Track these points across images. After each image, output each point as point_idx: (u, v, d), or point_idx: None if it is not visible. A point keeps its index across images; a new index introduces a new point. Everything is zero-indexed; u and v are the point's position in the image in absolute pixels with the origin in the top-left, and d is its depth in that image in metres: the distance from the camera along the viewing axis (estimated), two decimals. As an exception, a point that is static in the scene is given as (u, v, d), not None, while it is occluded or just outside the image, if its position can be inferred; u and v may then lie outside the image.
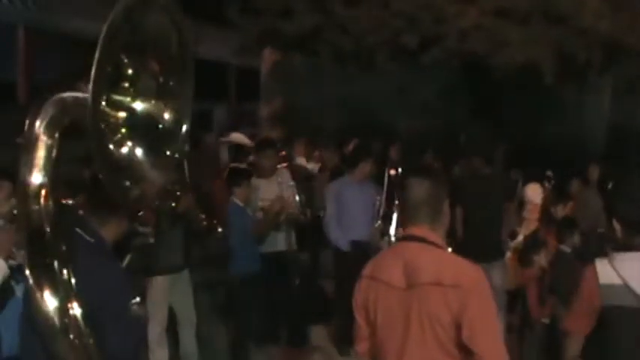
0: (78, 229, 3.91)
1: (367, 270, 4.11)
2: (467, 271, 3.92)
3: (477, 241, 9.63)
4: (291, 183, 9.46)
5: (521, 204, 10.96)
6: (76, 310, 3.07)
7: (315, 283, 10.51)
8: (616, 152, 14.55)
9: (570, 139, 13.92)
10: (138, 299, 4.16)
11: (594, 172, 11.90)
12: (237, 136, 13.16)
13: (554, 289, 8.53)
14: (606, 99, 15.72)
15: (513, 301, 9.53)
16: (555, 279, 8.70)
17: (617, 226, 4.32)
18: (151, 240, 5.92)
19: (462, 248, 9.26)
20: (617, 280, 4.10)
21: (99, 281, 3.68)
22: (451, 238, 9.60)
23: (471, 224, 10.03)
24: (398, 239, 4.26)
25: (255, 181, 9.00)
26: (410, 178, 4.10)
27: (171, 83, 3.08)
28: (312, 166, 14.44)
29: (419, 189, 4.02)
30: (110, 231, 4.05)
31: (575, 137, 14.22)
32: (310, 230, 10.18)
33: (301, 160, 14.65)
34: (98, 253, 3.91)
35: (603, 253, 4.41)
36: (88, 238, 3.88)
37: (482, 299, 3.84)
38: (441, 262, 3.94)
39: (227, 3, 14.38)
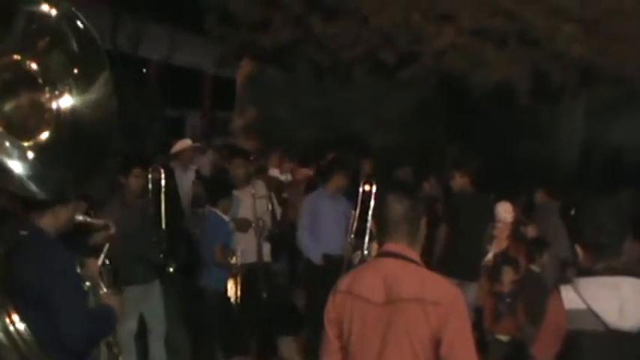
0: (19, 229, 4.08)
1: (343, 284, 4.13)
2: (447, 288, 3.98)
3: (459, 261, 9.70)
4: (265, 194, 9.46)
5: (492, 222, 11.02)
6: (18, 324, 3.10)
7: (286, 295, 10.51)
8: (588, 173, 14.67)
9: (543, 159, 14.02)
10: (88, 284, 4.29)
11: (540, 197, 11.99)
12: (183, 143, 13.16)
13: (525, 308, 8.60)
14: (579, 120, 15.86)
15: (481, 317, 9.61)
16: (524, 299, 8.77)
17: (579, 250, 4.36)
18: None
19: (442, 266, 9.36)
20: (582, 305, 4.13)
21: (44, 267, 3.89)
22: (429, 255, 9.72)
23: (455, 244, 10.08)
24: (376, 255, 4.26)
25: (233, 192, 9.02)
26: (390, 194, 4.13)
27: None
28: (285, 178, 14.46)
29: (399, 206, 4.06)
30: (50, 221, 4.34)
31: (548, 157, 14.32)
32: (284, 242, 10.19)
33: (274, 172, 14.67)
34: (39, 243, 4.07)
35: (566, 279, 4.46)
36: (26, 232, 4.07)
37: (461, 317, 3.91)
38: (421, 278, 3.99)
39: (205, 13, 14.38)
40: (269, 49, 13.59)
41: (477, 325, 9.64)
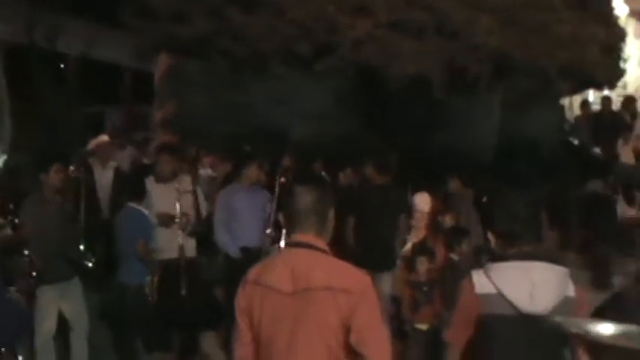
0: None
1: (251, 275, 4.16)
2: (356, 276, 4.03)
3: (370, 251, 9.76)
4: (190, 188, 9.42)
5: (410, 212, 11.13)
6: None
7: (206, 289, 10.49)
8: (504, 163, 14.86)
9: (460, 150, 14.17)
10: None
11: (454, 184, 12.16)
12: (100, 139, 13.10)
13: (445, 296, 8.71)
14: (496, 112, 16.07)
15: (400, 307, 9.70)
16: (443, 287, 8.89)
17: (491, 237, 4.43)
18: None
19: (354, 257, 9.39)
20: (493, 290, 4.20)
21: None
22: (342, 246, 9.77)
23: (364, 234, 10.15)
24: (285, 245, 4.30)
25: (152, 185, 8.97)
26: (298, 186, 4.16)
27: None
28: (204, 172, 14.41)
29: (307, 197, 4.10)
30: None
31: (464, 148, 14.47)
32: (202, 235, 10.17)
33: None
34: None
35: (479, 265, 4.54)
36: None
37: (371, 304, 3.95)
38: (330, 267, 4.04)
39: (122, 6, 14.22)
40: (186, 42, 13.49)
41: (396, 315, 9.75)
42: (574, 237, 14.52)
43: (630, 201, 14.41)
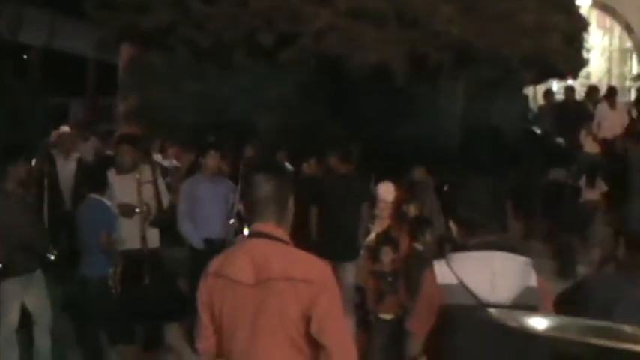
0: None
1: (213, 267, 4.14)
2: (316, 266, 4.02)
3: (333, 241, 9.77)
4: (151, 179, 9.39)
5: (374, 202, 11.16)
6: None
7: (170, 281, 10.47)
8: (468, 152, 14.92)
9: (424, 139, 14.21)
10: None
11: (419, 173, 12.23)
12: (61, 130, 13.05)
13: (409, 286, 8.73)
14: (460, 101, 16.12)
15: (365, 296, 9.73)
16: (408, 277, 8.91)
17: (453, 226, 4.43)
18: None
19: (317, 247, 9.42)
20: (454, 280, 4.19)
21: None
22: (306, 236, 9.78)
23: (327, 224, 10.15)
24: (246, 236, 4.28)
25: (114, 177, 8.94)
26: (256, 175, 4.15)
27: None
28: (168, 163, 14.39)
29: (265, 186, 4.09)
30: None
31: (429, 137, 14.52)
32: (165, 226, 10.15)
33: (157, 157, 14.58)
34: None
35: (442, 255, 4.53)
36: None
37: (332, 294, 3.95)
38: (290, 257, 4.03)
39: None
40: (148, 32, 13.42)
41: (361, 305, 9.79)
42: (537, 226, 14.65)
43: (592, 187, 14.56)
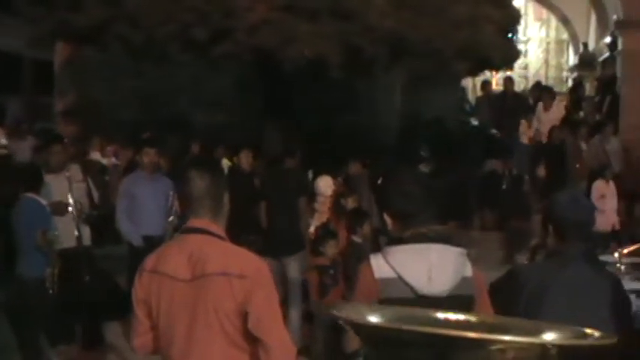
0: None
1: (148, 264, 4.12)
2: (251, 261, 4.03)
3: (276, 236, 9.80)
4: (82, 178, 9.35)
5: (313, 196, 11.21)
6: None
7: (109, 279, 10.40)
8: (406, 145, 15.04)
9: (363, 133, 14.29)
10: None
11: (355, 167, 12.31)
12: None
13: (348, 279, 8.77)
14: (397, 93, 16.22)
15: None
16: (347, 269, 8.95)
17: (388, 219, 4.44)
18: None
19: (265, 242, 9.47)
20: (391, 273, 4.21)
21: None
22: (259, 232, 9.84)
23: (269, 220, 10.17)
24: (181, 231, 4.26)
25: (45, 176, 8.87)
26: (191, 171, 4.15)
27: None
28: (107, 161, 14.32)
29: (200, 182, 4.08)
30: None
31: (368, 130, 14.60)
32: (105, 225, 10.09)
33: (96, 155, 14.50)
34: None
35: (378, 246, 4.53)
36: None
37: (267, 289, 3.95)
38: (225, 252, 4.03)
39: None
40: (82, 29, 13.29)
41: (304, 298, 9.81)
42: (475, 216, 14.81)
43: (532, 177, 14.77)
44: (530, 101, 19.23)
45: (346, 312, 2.05)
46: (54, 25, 13.87)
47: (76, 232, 9.01)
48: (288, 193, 10.28)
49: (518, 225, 13.54)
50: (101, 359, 9.41)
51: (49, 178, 8.92)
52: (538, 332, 2.00)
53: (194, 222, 4.12)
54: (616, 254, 7.92)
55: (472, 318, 2.10)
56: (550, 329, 2.02)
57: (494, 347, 1.77)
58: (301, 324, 9.47)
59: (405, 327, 1.83)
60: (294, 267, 9.84)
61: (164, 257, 4.11)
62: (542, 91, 18.66)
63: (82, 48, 15.87)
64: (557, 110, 17.51)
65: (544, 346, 1.88)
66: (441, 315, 2.15)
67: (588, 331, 2.01)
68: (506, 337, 1.82)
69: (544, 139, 16.33)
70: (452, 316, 2.15)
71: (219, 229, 4.14)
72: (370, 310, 2.07)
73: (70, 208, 8.98)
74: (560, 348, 1.90)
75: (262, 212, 10.25)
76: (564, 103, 19.67)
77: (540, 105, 17.52)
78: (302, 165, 11.80)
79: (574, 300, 4.28)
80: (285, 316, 4.44)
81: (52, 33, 14.62)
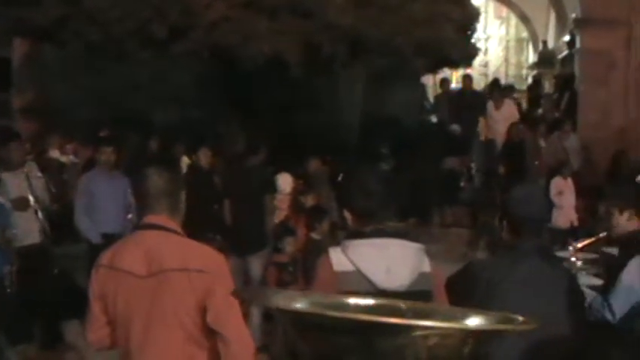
0: None
1: (104, 259, 4.13)
2: (210, 256, 4.06)
3: (242, 234, 9.81)
4: (39, 175, 9.31)
5: (274, 194, 11.19)
6: None
7: (68, 277, 10.35)
8: (367, 142, 15.08)
9: (323, 130, 14.32)
10: None
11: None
12: None
13: (307, 276, 8.79)
14: (359, 90, 16.25)
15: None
16: (306, 267, 8.97)
17: (348, 216, 4.46)
18: None
19: (230, 240, 9.47)
20: (350, 267, 4.23)
21: None
22: (219, 230, 9.83)
23: (235, 217, 10.18)
24: (137, 227, 4.27)
25: (3, 174, 8.82)
26: (149, 169, 4.16)
27: None
28: (66, 159, 14.22)
29: (158, 179, 4.10)
30: None
31: (328, 128, 14.62)
32: (64, 223, 10.05)
33: (54, 153, 14.40)
34: None
35: (336, 242, 4.55)
36: None
37: (226, 284, 3.97)
38: (183, 248, 4.05)
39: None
40: (40, 26, 13.20)
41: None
42: (434, 213, 14.90)
43: (492, 174, 14.87)
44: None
45: (275, 300, 2.06)
46: (12, 21, 13.77)
47: (39, 225, 8.97)
48: (253, 191, 10.29)
49: (487, 220, 13.61)
50: (60, 358, 9.36)
51: (5, 176, 8.87)
52: (463, 318, 2.01)
53: (151, 218, 4.13)
54: (570, 249, 7.99)
55: (402, 305, 2.11)
56: (475, 315, 2.03)
57: (416, 333, 1.77)
58: (262, 322, 9.48)
59: (329, 313, 1.84)
60: (257, 265, 9.85)
61: (120, 253, 4.12)
62: (493, 90, 18.71)
63: (41, 45, 15.75)
64: (509, 108, 17.58)
65: (467, 332, 1.89)
66: (371, 301, 2.17)
67: (511, 316, 2.01)
68: (427, 323, 1.81)
69: (498, 137, 16.44)
70: (384, 302, 2.17)
71: (176, 225, 4.15)
72: (299, 297, 2.09)
73: (31, 204, 8.94)
74: (485, 332, 1.94)
75: (226, 210, 10.26)
76: (516, 101, 19.80)
77: (491, 103, 17.57)
78: (263, 162, 11.80)
79: (527, 295, 4.33)
80: (246, 314, 4.45)
81: (9, 30, 14.51)
